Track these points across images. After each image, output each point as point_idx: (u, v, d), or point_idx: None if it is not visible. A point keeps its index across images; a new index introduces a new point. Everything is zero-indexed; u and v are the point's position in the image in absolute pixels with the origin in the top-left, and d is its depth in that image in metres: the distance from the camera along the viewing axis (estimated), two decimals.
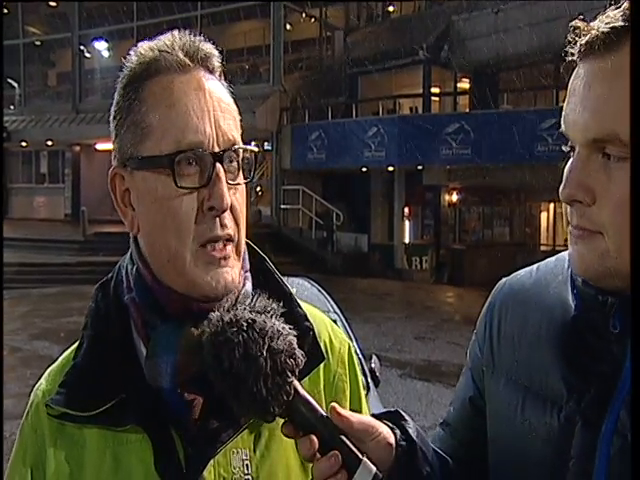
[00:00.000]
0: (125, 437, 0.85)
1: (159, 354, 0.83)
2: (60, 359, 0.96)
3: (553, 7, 14.91)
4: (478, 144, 15.73)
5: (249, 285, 0.91)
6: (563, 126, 0.83)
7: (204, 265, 0.83)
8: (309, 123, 19.11)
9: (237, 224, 0.86)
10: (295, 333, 0.78)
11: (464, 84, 20.35)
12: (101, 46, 24.59)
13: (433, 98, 19.52)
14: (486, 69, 18.01)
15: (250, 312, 0.76)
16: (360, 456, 0.76)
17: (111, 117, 0.88)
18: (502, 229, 21.99)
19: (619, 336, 0.82)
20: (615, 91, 0.76)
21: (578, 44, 0.81)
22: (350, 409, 0.94)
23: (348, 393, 0.99)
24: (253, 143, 0.92)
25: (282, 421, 0.77)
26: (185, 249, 0.83)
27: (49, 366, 0.97)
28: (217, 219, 0.83)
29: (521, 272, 1.04)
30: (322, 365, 0.93)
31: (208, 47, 0.88)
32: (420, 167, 17.39)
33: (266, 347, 0.74)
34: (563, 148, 0.85)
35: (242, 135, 0.88)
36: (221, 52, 0.90)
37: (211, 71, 0.88)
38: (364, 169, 18.23)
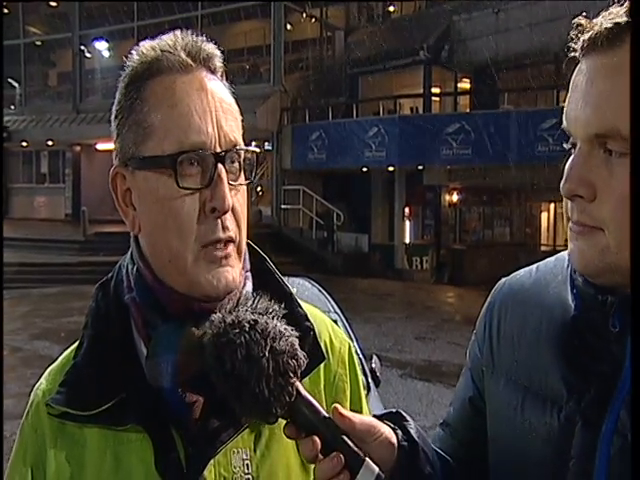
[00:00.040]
0: (125, 436, 0.85)
1: (160, 354, 0.83)
2: (60, 359, 0.96)
3: (553, 7, 14.92)
4: (479, 144, 15.73)
5: (250, 285, 0.91)
6: (565, 122, 0.83)
7: (206, 264, 0.83)
8: (310, 123, 19.12)
9: (238, 225, 0.86)
10: (297, 334, 0.78)
11: (465, 84, 20.36)
12: (101, 46, 24.59)
13: (434, 98, 19.52)
14: (487, 69, 18.00)
15: (252, 313, 0.76)
16: (362, 456, 0.77)
17: (112, 116, 0.88)
18: (502, 229, 21.99)
19: (619, 335, 0.82)
20: (617, 87, 0.76)
21: (581, 40, 0.81)
22: (350, 409, 0.94)
23: (348, 393, 0.99)
24: (254, 143, 0.92)
25: (283, 421, 0.77)
26: (187, 249, 0.83)
27: (49, 366, 0.97)
28: (219, 221, 0.83)
29: (520, 272, 1.04)
30: (322, 365, 0.93)
31: (210, 47, 0.88)
32: (421, 167, 17.39)
33: (268, 348, 0.74)
34: (564, 145, 0.85)
35: (243, 135, 0.88)
36: (222, 52, 0.90)
37: (213, 71, 0.88)
38: (365, 169, 18.23)
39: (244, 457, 0.86)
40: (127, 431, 0.84)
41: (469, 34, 18.45)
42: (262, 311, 0.77)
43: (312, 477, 0.88)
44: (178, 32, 0.88)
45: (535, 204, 22.20)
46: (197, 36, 0.88)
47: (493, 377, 0.97)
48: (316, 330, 0.91)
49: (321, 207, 18.88)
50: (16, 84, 24.54)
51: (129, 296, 0.88)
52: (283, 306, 0.80)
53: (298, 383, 0.77)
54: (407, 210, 18.82)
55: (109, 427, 0.85)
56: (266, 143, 18.84)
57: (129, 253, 0.92)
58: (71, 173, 24.15)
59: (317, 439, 0.76)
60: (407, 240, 18.86)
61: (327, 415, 0.78)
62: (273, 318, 0.77)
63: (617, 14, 0.78)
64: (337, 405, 0.79)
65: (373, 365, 4.15)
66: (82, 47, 23.96)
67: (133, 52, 0.87)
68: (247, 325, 0.74)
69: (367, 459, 0.77)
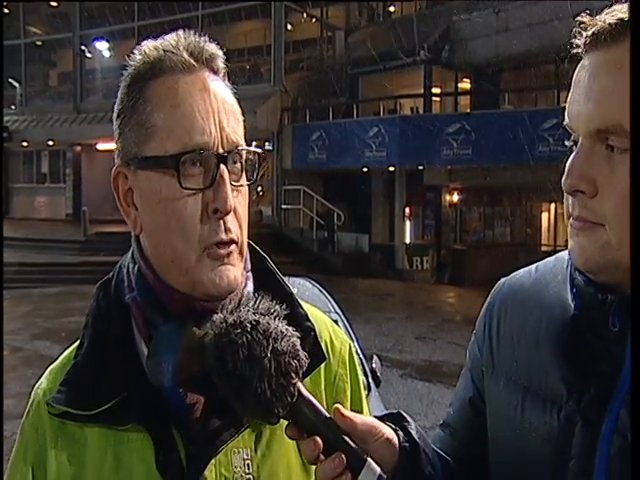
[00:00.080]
0: (126, 436, 0.85)
1: (161, 353, 0.83)
2: (61, 358, 0.96)
3: (554, 7, 14.91)
4: (479, 144, 15.73)
5: (251, 285, 0.91)
6: (567, 118, 0.83)
7: (210, 262, 0.83)
8: (310, 123, 19.12)
9: (240, 226, 0.86)
10: (298, 335, 0.78)
11: (465, 84, 20.36)
12: (102, 46, 24.60)
13: (434, 98, 19.53)
14: (487, 69, 18.03)
15: (254, 314, 0.76)
16: (364, 457, 0.77)
17: (114, 116, 0.88)
18: (503, 229, 21.99)
19: (619, 335, 0.82)
20: (620, 82, 0.76)
21: (584, 36, 0.81)
22: (351, 409, 0.94)
23: (349, 393, 0.99)
24: (254, 143, 0.92)
25: (284, 421, 0.77)
26: (191, 250, 0.83)
27: (50, 365, 0.97)
28: (221, 222, 0.83)
29: (520, 272, 1.03)
30: (323, 365, 0.93)
31: (213, 48, 0.88)
32: (421, 167, 17.39)
33: (270, 348, 0.74)
34: (566, 143, 0.85)
35: (244, 136, 0.88)
36: (223, 52, 0.90)
37: (215, 72, 0.88)
38: (365, 169, 18.23)
39: (245, 457, 0.86)
40: (128, 430, 0.84)
41: (469, 34, 18.45)
42: (264, 311, 0.77)
43: (313, 477, 0.88)
44: (181, 32, 0.88)
45: (536, 204, 22.19)
46: (199, 36, 0.88)
47: (493, 377, 0.97)
48: (317, 330, 0.91)
49: (321, 207, 18.89)
50: (17, 84, 24.55)
51: (130, 295, 0.88)
52: (284, 306, 0.79)
53: (300, 383, 0.76)
54: (407, 210, 18.82)
55: (110, 426, 0.85)
56: (266, 143, 18.84)
57: (130, 253, 0.92)
58: (72, 173, 24.16)
59: (319, 439, 0.76)
60: (407, 240, 18.86)
61: (328, 415, 0.78)
62: (275, 318, 0.77)
63: (620, 10, 0.78)
64: (338, 405, 0.79)
65: (373, 365, 4.15)
66: (83, 47, 23.97)
67: (135, 52, 0.87)
68: (249, 325, 0.74)
69: (369, 459, 0.77)
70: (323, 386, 0.96)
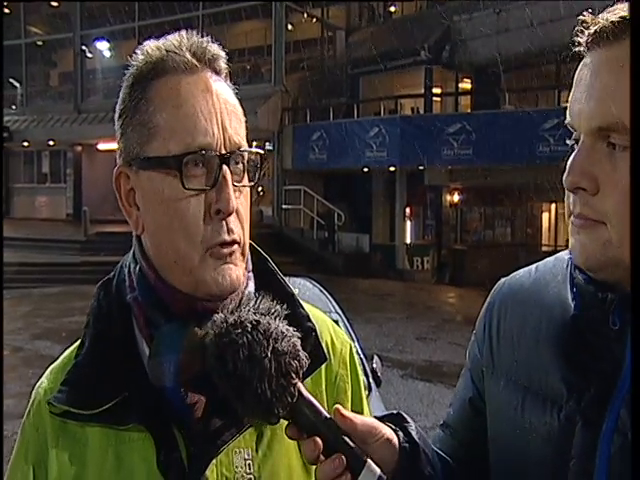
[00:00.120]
0: (127, 436, 0.85)
1: (163, 353, 0.83)
2: (61, 357, 0.97)
3: (554, 7, 14.91)
4: (480, 144, 15.73)
5: (252, 286, 0.91)
6: (568, 116, 0.84)
7: (213, 261, 0.84)
8: (311, 123, 19.12)
9: (242, 227, 0.87)
10: (299, 335, 0.78)
11: (466, 84, 20.34)
12: (103, 46, 24.62)
13: (435, 98, 19.52)
14: (488, 69, 18.00)
15: (254, 314, 0.76)
16: (364, 458, 0.77)
17: (116, 116, 0.89)
18: (503, 229, 21.98)
19: (619, 333, 0.82)
20: (622, 80, 0.76)
21: (586, 33, 0.81)
22: (352, 410, 0.94)
23: (350, 394, 0.99)
24: (255, 143, 0.92)
25: (285, 421, 0.77)
26: (193, 251, 0.83)
27: (50, 364, 0.97)
28: (223, 223, 0.84)
29: (520, 272, 1.03)
30: (324, 366, 0.93)
31: (215, 48, 0.88)
32: (421, 167, 17.38)
33: (270, 349, 0.74)
34: (567, 142, 0.85)
35: (246, 136, 0.88)
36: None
37: (218, 73, 0.88)
38: (366, 169, 18.23)
39: (246, 457, 0.86)
40: (129, 430, 0.84)
41: (470, 34, 18.44)
42: (264, 312, 0.77)
43: (314, 478, 0.88)
44: (183, 32, 0.88)
45: (536, 204, 22.17)
46: (202, 37, 0.88)
47: (493, 377, 0.97)
48: (318, 331, 0.91)
49: (322, 207, 18.89)
50: (17, 84, 24.56)
51: (131, 295, 0.88)
52: (285, 307, 0.80)
53: (300, 384, 0.77)
54: (408, 210, 18.82)
55: (111, 426, 0.85)
56: (267, 143, 18.85)
57: (131, 252, 0.92)
58: (72, 173, 24.17)
59: (319, 440, 0.76)
60: (408, 240, 18.86)
61: (328, 416, 0.78)
62: (275, 319, 0.77)
63: (622, 9, 0.79)
64: (338, 406, 0.79)
65: (374, 365, 4.15)
66: (83, 47, 23.98)
67: (138, 52, 0.87)
68: (249, 325, 0.74)
69: (369, 460, 0.77)
70: (324, 386, 0.96)
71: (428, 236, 19.65)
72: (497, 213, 21.81)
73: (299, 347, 0.77)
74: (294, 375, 0.75)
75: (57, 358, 0.97)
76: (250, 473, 0.86)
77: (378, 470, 0.76)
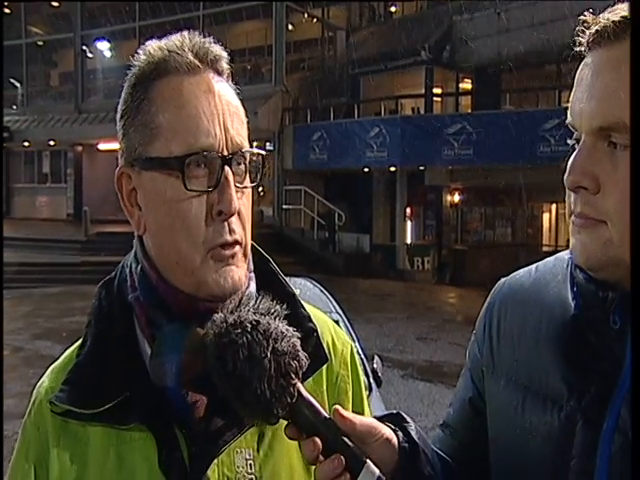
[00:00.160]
0: (129, 435, 0.85)
1: (164, 353, 0.83)
2: (62, 357, 0.96)
3: (555, 7, 14.91)
4: (480, 145, 15.73)
5: (253, 286, 0.91)
6: (569, 116, 0.84)
7: (214, 263, 0.84)
8: (311, 123, 19.13)
9: (244, 228, 0.87)
10: (299, 335, 0.78)
11: (466, 84, 20.35)
12: (103, 46, 24.63)
13: (435, 98, 19.52)
14: (488, 69, 18.02)
15: (254, 314, 0.76)
16: (363, 458, 0.77)
17: (118, 116, 0.88)
18: (504, 230, 21.97)
19: (619, 333, 0.82)
20: (623, 80, 0.76)
21: (587, 33, 0.81)
22: (352, 410, 0.94)
23: (350, 394, 0.99)
24: (255, 143, 0.92)
25: (285, 422, 0.78)
26: (195, 252, 0.83)
27: (51, 364, 0.97)
28: (225, 224, 0.84)
29: (520, 272, 1.03)
30: (325, 366, 0.93)
31: (217, 49, 0.88)
32: (422, 167, 17.38)
33: (270, 349, 0.74)
34: (568, 141, 0.85)
35: (248, 137, 0.89)
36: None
37: (220, 73, 0.88)
38: (366, 169, 18.23)
39: (247, 457, 0.86)
40: (130, 430, 0.85)
41: (471, 34, 18.44)
42: (264, 312, 0.77)
43: (314, 478, 0.88)
44: (185, 33, 0.88)
45: (537, 204, 22.17)
46: (203, 37, 0.88)
47: (493, 377, 0.97)
48: (319, 331, 0.91)
49: (322, 207, 18.89)
50: (18, 84, 24.58)
51: (133, 295, 0.88)
52: (286, 307, 0.79)
53: (299, 384, 0.77)
54: (408, 210, 18.82)
55: (112, 426, 0.85)
56: (268, 143, 18.85)
57: (132, 252, 0.92)
58: (73, 173, 24.19)
59: (318, 440, 0.76)
60: (408, 240, 18.86)
61: (328, 416, 0.78)
62: (275, 319, 0.77)
63: (623, 9, 0.79)
64: (338, 406, 0.79)
65: (375, 365, 4.15)
66: (84, 47, 24.00)
67: (140, 52, 0.87)
68: (249, 325, 0.74)
69: (368, 461, 0.77)
70: (325, 387, 0.96)
71: (428, 236, 19.65)
72: (497, 213, 21.80)
73: (299, 347, 0.77)
74: (294, 375, 0.75)
75: (58, 358, 0.97)
76: (251, 473, 0.86)
77: (377, 470, 0.76)
